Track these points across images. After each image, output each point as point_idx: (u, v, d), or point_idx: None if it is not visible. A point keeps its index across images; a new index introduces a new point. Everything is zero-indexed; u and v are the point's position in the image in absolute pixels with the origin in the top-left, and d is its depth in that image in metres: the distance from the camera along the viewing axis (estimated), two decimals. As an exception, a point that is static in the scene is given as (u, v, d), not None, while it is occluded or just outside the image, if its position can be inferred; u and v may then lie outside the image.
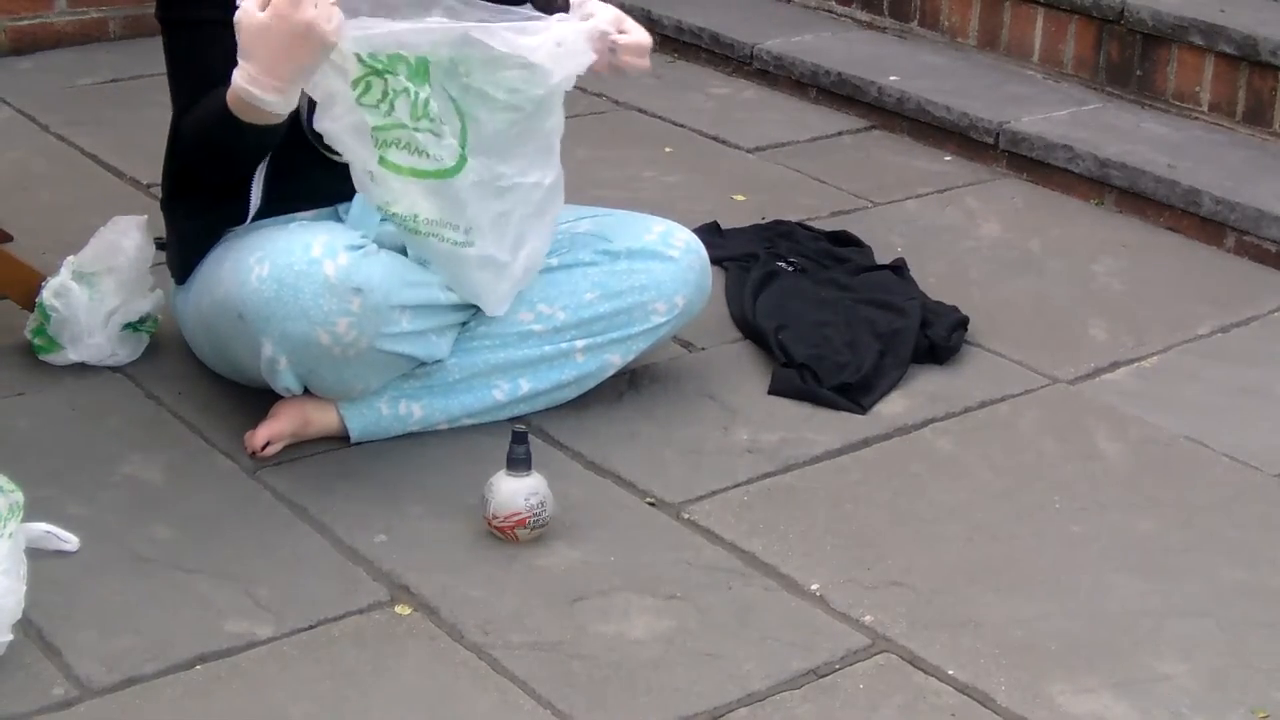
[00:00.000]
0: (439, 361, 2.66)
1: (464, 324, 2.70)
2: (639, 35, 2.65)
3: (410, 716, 2.10)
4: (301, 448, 2.65)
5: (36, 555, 2.25)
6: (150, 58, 4.39)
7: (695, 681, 2.18)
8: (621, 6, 4.89)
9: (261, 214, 2.63)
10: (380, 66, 2.44)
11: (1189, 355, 3.15)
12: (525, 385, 2.73)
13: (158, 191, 3.55)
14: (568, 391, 2.78)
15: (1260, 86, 3.90)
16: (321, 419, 2.65)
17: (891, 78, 4.26)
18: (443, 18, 2.44)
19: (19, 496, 2.20)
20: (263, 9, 2.33)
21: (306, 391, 2.63)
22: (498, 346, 2.70)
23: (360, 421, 2.66)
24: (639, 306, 2.76)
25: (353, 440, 2.67)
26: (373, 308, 2.49)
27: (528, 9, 2.59)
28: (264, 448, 2.61)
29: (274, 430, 2.61)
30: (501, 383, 2.72)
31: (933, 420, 2.87)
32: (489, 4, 2.47)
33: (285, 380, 2.56)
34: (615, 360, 2.78)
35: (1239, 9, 4.01)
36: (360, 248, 2.51)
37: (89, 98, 4.15)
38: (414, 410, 2.68)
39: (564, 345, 2.73)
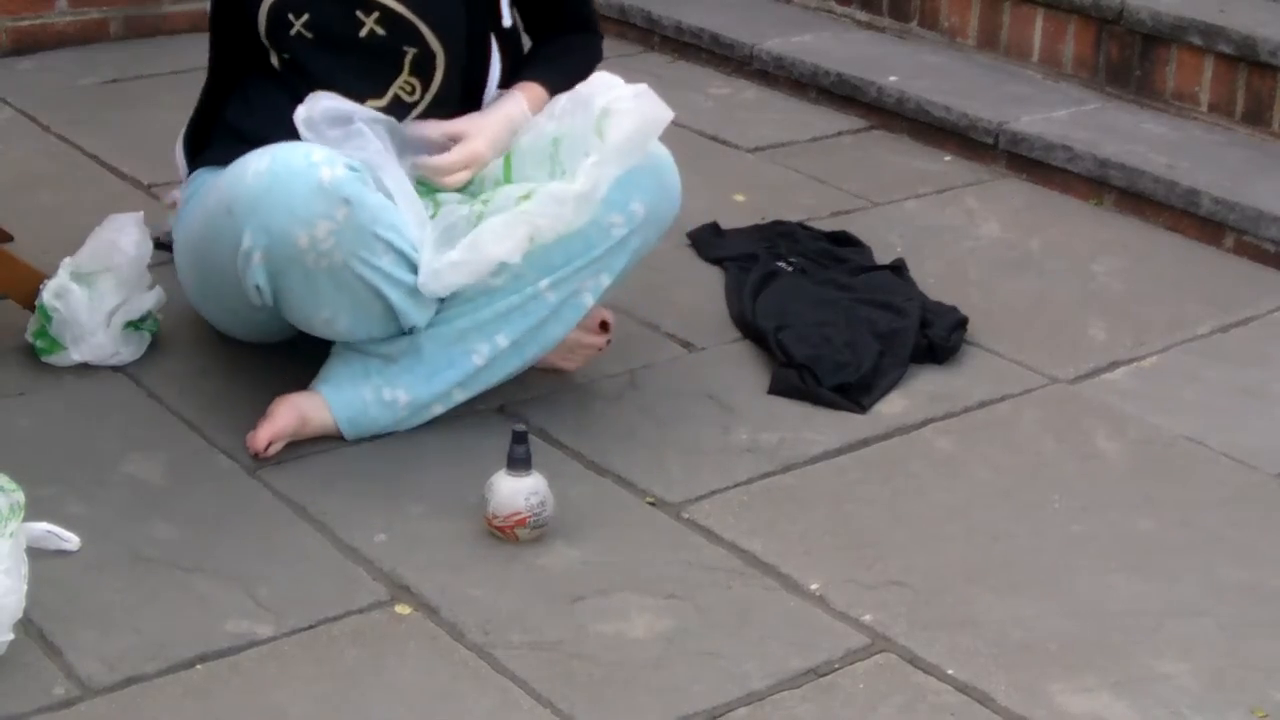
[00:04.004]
0: (414, 331, 2.65)
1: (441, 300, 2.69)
2: (447, 159, 2.72)
3: (410, 716, 2.10)
4: (302, 447, 2.65)
5: (37, 555, 2.26)
6: (150, 58, 4.42)
7: (695, 681, 2.19)
8: (621, 7, 4.91)
9: None
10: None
11: (1188, 355, 3.15)
12: (502, 340, 2.69)
13: (159, 191, 3.58)
14: (549, 331, 2.71)
15: (1259, 87, 3.90)
16: (318, 417, 2.65)
17: (891, 78, 4.26)
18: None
19: (20, 496, 2.20)
20: None
21: (302, 391, 2.64)
22: (465, 312, 2.67)
23: (346, 411, 2.65)
24: (592, 225, 2.65)
25: (344, 432, 2.66)
26: (356, 225, 2.49)
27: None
28: (266, 448, 2.60)
29: (275, 429, 2.61)
30: (478, 345, 2.68)
31: (932, 420, 2.87)
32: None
33: (255, 277, 2.53)
34: (588, 285, 2.70)
35: (1238, 9, 4.01)
36: (359, 174, 2.53)
37: (89, 98, 4.15)
38: (399, 396, 2.67)
39: (529, 290, 2.67)
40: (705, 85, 4.47)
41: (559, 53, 2.89)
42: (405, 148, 2.67)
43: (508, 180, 2.71)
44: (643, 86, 2.67)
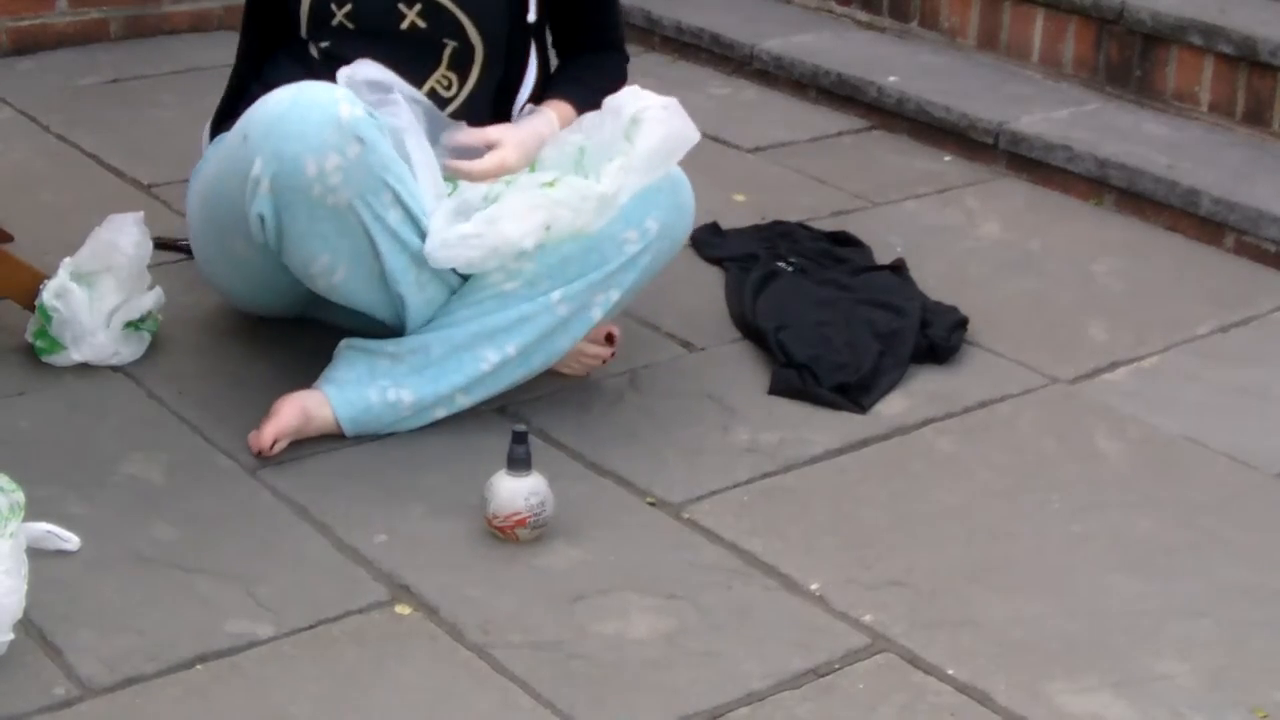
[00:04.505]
0: (409, 337, 2.66)
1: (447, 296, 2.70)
2: (477, 166, 2.72)
3: (410, 716, 2.10)
4: (303, 447, 2.65)
5: (37, 555, 2.26)
6: (150, 57, 4.42)
7: (695, 681, 2.19)
8: (622, 7, 4.90)
9: None
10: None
11: (1189, 355, 3.15)
12: (511, 348, 2.69)
13: (159, 192, 3.58)
14: (556, 342, 2.72)
15: (1259, 86, 3.90)
16: (320, 414, 2.65)
17: (891, 78, 4.26)
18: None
19: (20, 496, 2.20)
20: None
21: (305, 390, 2.64)
22: (476, 315, 2.68)
23: (349, 410, 2.65)
24: (608, 240, 2.68)
25: (344, 429, 2.66)
26: (365, 165, 2.51)
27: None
28: (271, 446, 2.60)
29: (279, 427, 2.61)
30: (487, 352, 2.69)
31: (932, 420, 2.87)
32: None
33: (261, 206, 2.53)
34: (599, 300, 2.71)
35: (1239, 9, 4.01)
36: (379, 123, 2.55)
37: (89, 98, 4.15)
38: (403, 397, 2.67)
39: (541, 299, 2.68)
40: (705, 85, 4.47)
41: (587, 71, 2.92)
42: (437, 137, 2.70)
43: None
44: (673, 100, 2.70)
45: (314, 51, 2.78)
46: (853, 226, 3.56)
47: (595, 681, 2.18)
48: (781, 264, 3.33)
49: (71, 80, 4.24)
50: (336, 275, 2.62)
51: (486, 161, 2.71)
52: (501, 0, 2.78)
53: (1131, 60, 4.13)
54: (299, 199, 2.51)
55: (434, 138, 2.69)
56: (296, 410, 2.63)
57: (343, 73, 2.64)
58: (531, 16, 2.82)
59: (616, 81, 2.91)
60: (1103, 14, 4.14)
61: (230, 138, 2.63)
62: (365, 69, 2.65)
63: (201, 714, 2.09)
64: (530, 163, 2.75)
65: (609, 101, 2.71)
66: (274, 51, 2.84)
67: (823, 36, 4.61)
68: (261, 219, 2.55)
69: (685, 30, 4.66)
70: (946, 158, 4.06)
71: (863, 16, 4.72)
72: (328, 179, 2.50)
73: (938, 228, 3.66)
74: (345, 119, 2.50)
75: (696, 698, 2.16)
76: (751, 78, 4.52)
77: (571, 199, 2.61)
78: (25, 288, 2.89)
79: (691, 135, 2.69)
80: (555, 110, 2.83)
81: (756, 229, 3.54)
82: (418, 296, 2.66)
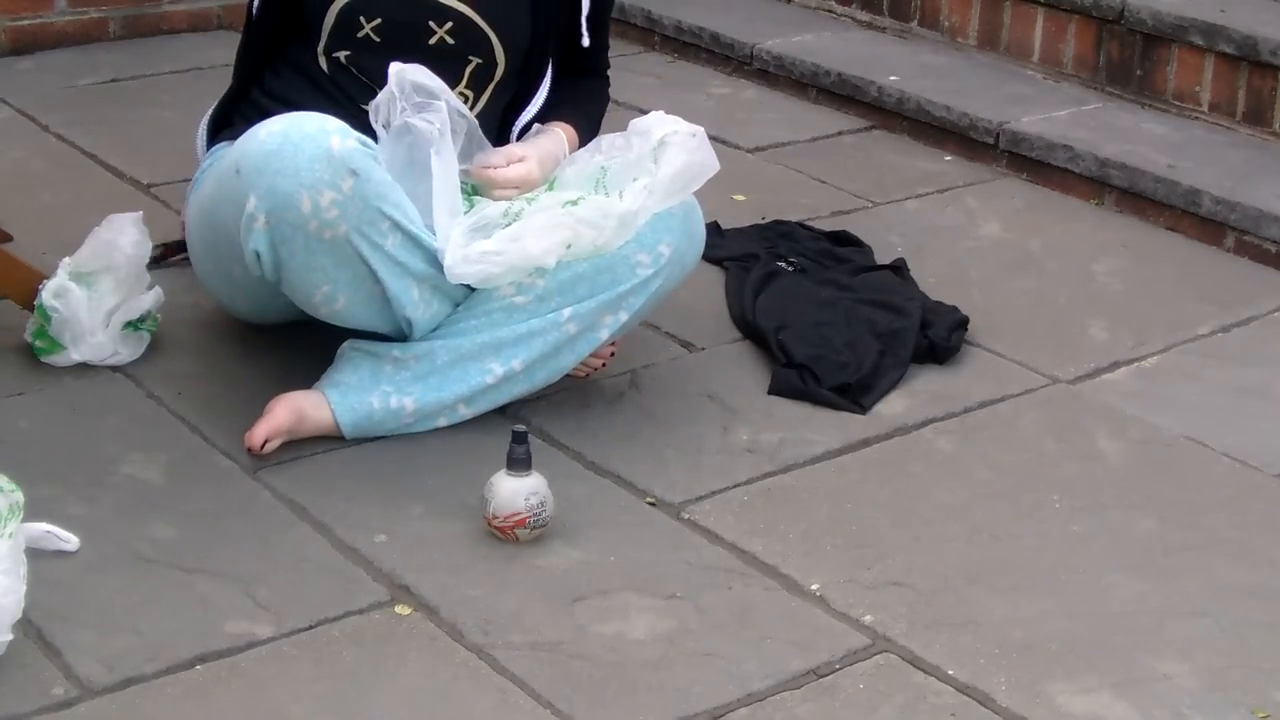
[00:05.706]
0: (410, 327, 2.66)
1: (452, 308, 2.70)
2: (503, 172, 2.73)
3: (410, 716, 2.10)
4: (301, 447, 2.65)
5: (36, 555, 2.25)
6: (150, 57, 4.41)
7: (695, 681, 2.18)
8: (621, 7, 4.91)
9: None
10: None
11: (1189, 355, 3.15)
12: (517, 363, 2.70)
13: (158, 191, 3.58)
14: (561, 359, 2.73)
15: (1260, 86, 3.90)
16: (316, 415, 2.65)
17: (891, 78, 4.26)
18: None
19: (19, 496, 2.20)
20: None
21: (302, 390, 2.64)
22: (484, 326, 2.68)
23: (351, 415, 2.65)
24: (621, 261, 2.69)
25: (345, 434, 2.66)
26: (361, 197, 2.50)
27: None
28: (263, 445, 2.60)
29: (272, 426, 2.61)
30: (493, 364, 2.69)
31: (933, 420, 2.86)
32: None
33: (256, 243, 2.52)
34: (607, 321, 2.72)
35: (1239, 9, 4.01)
36: (371, 152, 2.54)
37: (89, 98, 4.15)
38: (406, 404, 2.67)
39: (551, 316, 2.68)
40: (705, 85, 4.47)
41: (583, 96, 2.95)
42: (472, 155, 2.70)
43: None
44: (700, 129, 2.74)
45: (323, 63, 2.77)
46: (853, 226, 3.56)
47: (595, 681, 2.18)
48: (782, 264, 3.33)
49: (71, 80, 4.24)
50: (338, 303, 2.62)
51: (512, 170, 2.72)
52: (526, 19, 2.80)
53: (1132, 60, 4.13)
54: (296, 234, 2.51)
55: (469, 155, 2.69)
56: (290, 410, 2.63)
57: (394, 67, 2.61)
58: (585, 41, 2.86)
59: (605, 105, 3.00)
60: (1103, 14, 4.14)
61: (224, 165, 2.62)
62: (416, 72, 2.62)
63: (201, 714, 2.09)
64: (550, 178, 2.77)
65: (635, 123, 2.75)
66: (275, 58, 2.83)
67: (823, 36, 4.61)
68: (258, 254, 2.54)
69: (685, 30, 4.66)
70: (947, 157, 4.06)
71: (863, 16, 4.72)
72: (324, 214, 2.49)
73: (938, 228, 3.66)
74: (337, 152, 2.48)
75: (696, 698, 2.15)
76: (751, 77, 4.52)
77: (594, 217, 2.63)
78: (24, 287, 2.89)
79: (713, 166, 2.73)
80: (563, 131, 2.86)
81: (756, 229, 3.54)
82: (422, 314, 2.66)
